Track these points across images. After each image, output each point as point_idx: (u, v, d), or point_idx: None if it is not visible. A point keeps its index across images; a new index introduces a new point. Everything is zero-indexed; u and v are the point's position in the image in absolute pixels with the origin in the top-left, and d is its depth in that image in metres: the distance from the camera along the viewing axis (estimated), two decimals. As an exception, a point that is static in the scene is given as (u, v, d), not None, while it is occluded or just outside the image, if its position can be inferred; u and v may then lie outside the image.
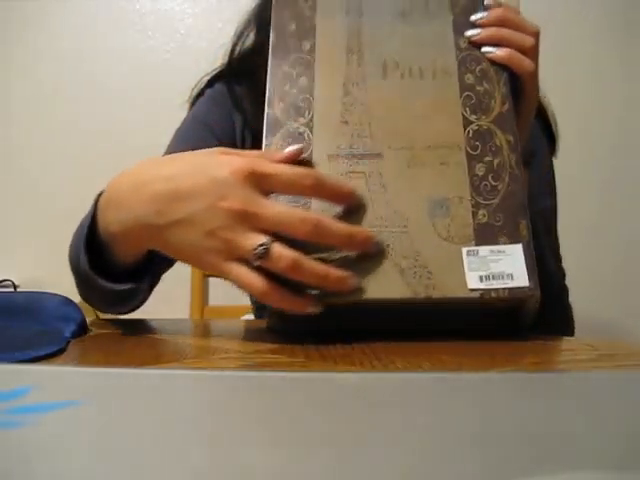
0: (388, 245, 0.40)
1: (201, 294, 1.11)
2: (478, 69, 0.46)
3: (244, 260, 0.37)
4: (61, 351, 0.34)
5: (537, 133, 0.69)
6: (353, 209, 0.41)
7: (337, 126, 0.44)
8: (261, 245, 0.36)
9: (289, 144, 0.43)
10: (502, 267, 0.39)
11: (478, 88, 0.46)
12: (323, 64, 0.47)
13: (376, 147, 0.43)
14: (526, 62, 0.47)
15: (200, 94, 0.71)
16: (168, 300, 1.27)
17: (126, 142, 1.47)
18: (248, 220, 0.37)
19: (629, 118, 1.66)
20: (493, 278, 0.38)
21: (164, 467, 0.13)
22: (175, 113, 0.70)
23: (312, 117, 0.45)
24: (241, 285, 0.38)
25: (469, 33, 0.48)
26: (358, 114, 0.45)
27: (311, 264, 0.37)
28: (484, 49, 0.47)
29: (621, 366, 0.30)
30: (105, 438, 0.15)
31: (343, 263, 0.39)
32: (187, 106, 0.71)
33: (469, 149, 0.43)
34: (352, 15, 0.49)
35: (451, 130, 0.44)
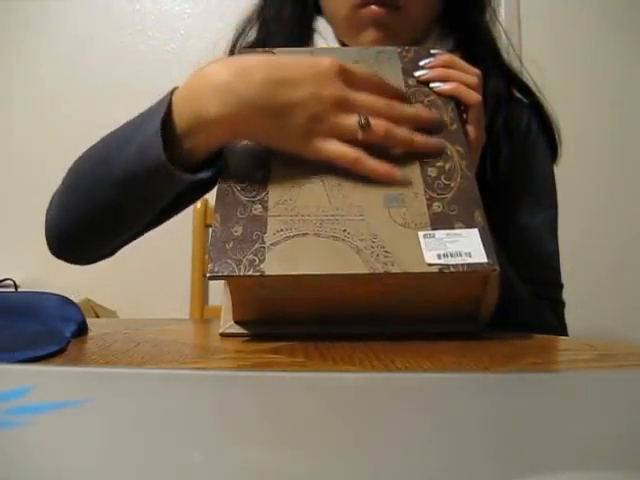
0: (344, 230, 0.40)
1: (201, 294, 1.11)
2: (427, 100, 0.51)
3: (339, 139, 0.44)
4: (61, 351, 0.34)
5: (539, 141, 0.69)
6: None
7: None
8: (362, 120, 0.44)
9: (249, 154, 0.46)
10: (459, 247, 0.39)
11: None
12: None
13: None
14: (472, 93, 0.51)
15: None
16: (168, 300, 1.28)
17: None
18: (345, 105, 0.44)
19: (629, 118, 1.66)
20: (451, 256, 0.39)
21: (164, 467, 0.13)
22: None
23: None
24: (338, 156, 0.44)
25: (418, 73, 0.53)
26: None
27: (401, 130, 0.46)
28: (433, 84, 0.52)
29: (621, 366, 0.30)
30: (105, 438, 0.15)
31: (299, 242, 0.39)
32: None
33: (421, 157, 0.46)
34: None
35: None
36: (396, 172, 0.44)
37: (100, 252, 0.60)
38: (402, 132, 0.45)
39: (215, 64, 0.46)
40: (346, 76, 0.45)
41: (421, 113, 0.48)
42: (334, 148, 0.44)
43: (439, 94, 0.51)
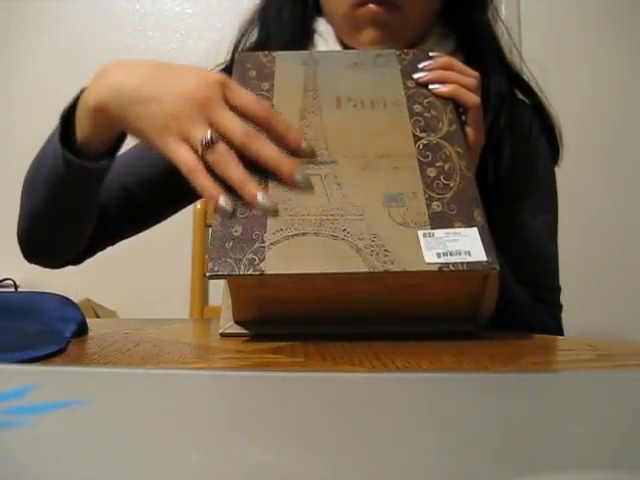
0: (344, 229, 0.40)
1: (201, 294, 1.11)
2: (425, 101, 0.51)
3: (191, 146, 0.44)
4: (61, 351, 0.34)
5: (541, 142, 0.68)
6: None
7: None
8: (208, 139, 0.43)
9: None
10: (459, 246, 0.39)
11: (426, 114, 0.49)
12: (281, 98, 0.51)
13: (331, 156, 0.46)
14: (470, 95, 0.51)
15: None
16: (168, 300, 1.27)
17: (126, 142, 1.47)
18: (206, 114, 0.44)
19: (629, 118, 1.66)
20: (451, 254, 0.39)
21: (164, 467, 0.13)
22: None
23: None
24: (177, 160, 0.44)
25: (417, 75, 0.53)
26: (314, 132, 0.48)
27: (240, 168, 0.43)
28: (431, 86, 0.52)
29: (621, 366, 0.30)
30: (105, 438, 0.15)
31: (299, 241, 0.40)
32: None
33: (420, 157, 0.46)
34: (308, 65, 0.55)
35: (402, 144, 0.47)
36: (221, 198, 0.42)
37: (62, 256, 0.64)
38: (236, 171, 0.43)
39: (111, 63, 0.50)
40: (229, 91, 0.45)
41: (282, 160, 0.44)
42: (180, 153, 0.44)
43: (438, 96, 0.51)
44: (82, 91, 0.52)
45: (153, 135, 0.46)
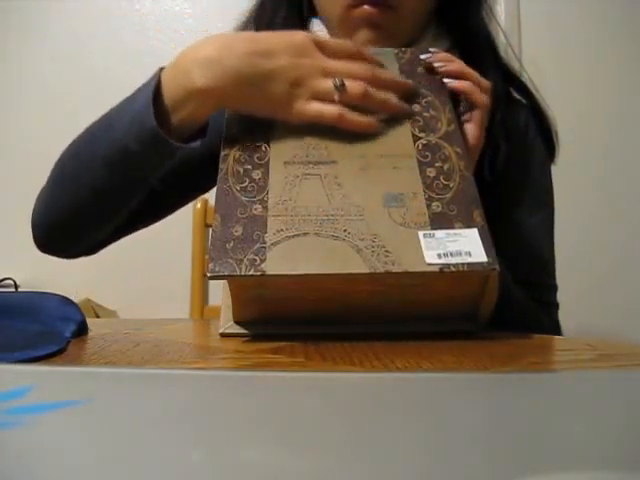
0: (345, 230, 0.40)
1: (201, 294, 1.11)
2: (424, 101, 0.51)
3: (322, 101, 0.47)
4: (61, 351, 0.34)
5: (537, 142, 0.68)
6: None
7: (294, 141, 0.47)
8: (339, 82, 0.47)
9: (248, 155, 0.46)
10: (459, 246, 0.39)
11: (425, 114, 0.50)
12: None
13: (331, 156, 0.46)
14: (482, 95, 0.53)
15: None
16: (168, 300, 1.27)
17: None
18: (324, 70, 0.48)
19: (628, 118, 1.66)
20: (451, 255, 0.39)
21: (164, 467, 0.13)
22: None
23: (268, 138, 0.48)
24: (321, 114, 0.47)
25: (437, 64, 0.53)
26: (313, 132, 0.48)
27: (377, 92, 0.48)
28: (446, 80, 0.53)
29: (621, 366, 0.30)
30: (105, 438, 0.15)
31: (300, 242, 0.40)
32: None
33: (420, 157, 0.46)
34: None
35: (402, 144, 0.47)
36: (376, 123, 0.47)
37: (84, 244, 0.62)
38: (377, 93, 0.48)
39: (200, 42, 0.49)
40: (320, 46, 0.49)
41: (396, 77, 0.51)
42: (316, 108, 0.47)
43: (437, 95, 0.51)
44: (160, 72, 0.50)
45: (280, 108, 0.47)
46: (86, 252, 0.64)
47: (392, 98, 0.49)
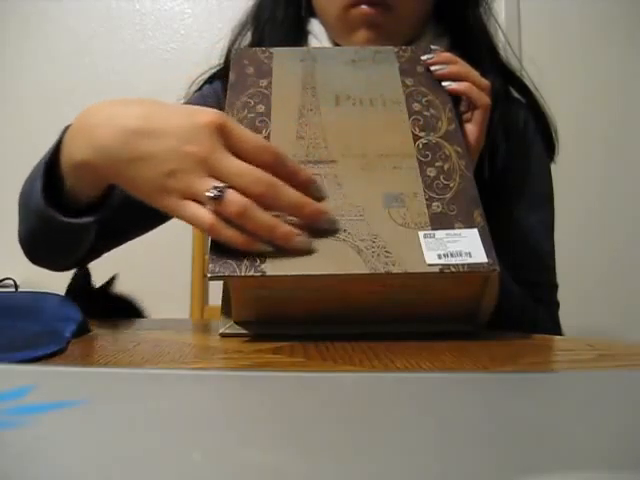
0: (345, 230, 0.40)
1: (201, 294, 1.11)
2: (424, 100, 0.51)
3: (199, 202, 0.39)
4: (61, 351, 0.34)
5: (536, 141, 0.68)
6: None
7: (293, 141, 0.47)
8: (216, 188, 0.38)
9: None
10: (459, 247, 0.39)
11: (425, 113, 0.49)
12: (279, 96, 0.51)
13: (331, 156, 0.46)
14: (482, 95, 0.52)
15: (199, 90, 0.72)
16: (168, 300, 1.27)
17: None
18: (208, 167, 0.39)
19: (628, 118, 1.66)
20: (451, 255, 0.39)
21: (164, 467, 0.13)
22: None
23: (269, 134, 0.47)
24: (191, 220, 0.40)
25: (434, 68, 0.53)
26: (313, 131, 0.48)
27: (262, 214, 0.38)
28: (445, 83, 0.52)
29: (621, 366, 0.30)
30: (105, 438, 0.15)
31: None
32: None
33: (420, 157, 0.46)
34: (306, 61, 0.55)
35: (402, 143, 0.47)
36: (256, 244, 0.39)
37: (61, 263, 0.61)
38: (262, 216, 0.38)
39: (98, 104, 0.44)
40: (227, 135, 0.40)
41: (304, 203, 0.40)
42: (189, 211, 0.39)
43: (437, 95, 0.51)
44: (66, 129, 0.47)
45: (152, 197, 0.41)
46: (69, 268, 0.63)
47: (280, 227, 0.38)
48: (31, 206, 0.50)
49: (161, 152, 0.40)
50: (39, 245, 0.56)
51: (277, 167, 0.40)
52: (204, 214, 0.39)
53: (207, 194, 0.38)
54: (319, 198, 0.41)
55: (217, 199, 0.38)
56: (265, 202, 0.39)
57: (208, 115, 0.40)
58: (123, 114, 0.42)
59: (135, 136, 0.40)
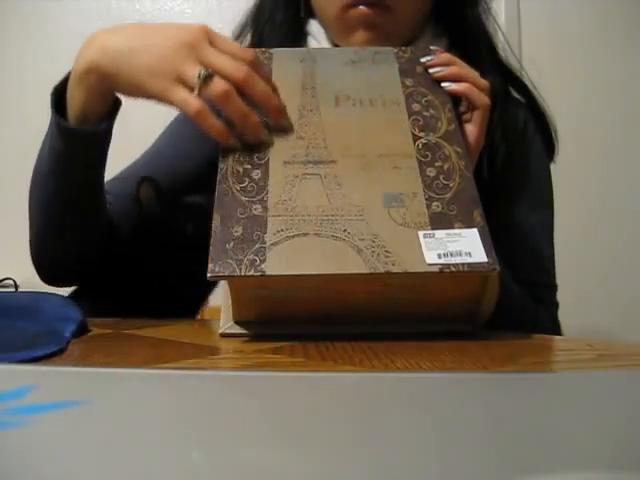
0: (345, 230, 0.40)
1: (201, 294, 1.11)
2: (424, 100, 0.51)
3: (188, 88, 0.45)
4: (61, 351, 0.34)
5: (536, 141, 0.68)
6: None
7: (293, 140, 0.47)
8: (205, 72, 0.44)
9: (247, 154, 0.46)
10: (459, 247, 0.39)
11: (425, 113, 0.49)
12: (279, 95, 0.50)
13: (331, 156, 0.46)
14: (482, 96, 0.52)
15: None
16: (168, 300, 1.27)
17: (126, 142, 1.47)
18: (197, 54, 0.45)
19: (628, 118, 1.66)
20: (451, 255, 0.39)
21: (164, 467, 0.13)
22: (175, 113, 0.70)
23: (269, 135, 0.47)
24: (180, 104, 0.45)
25: (432, 70, 0.53)
26: (313, 131, 0.48)
27: (240, 101, 0.45)
28: (444, 83, 0.52)
29: (621, 366, 0.30)
30: (105, 438, 0.15)
31: (300, 242, 0.40)
32: None
33: (420, 157, 0.46)
34: (306, 62, 0.55)
35: (402, 143, 0.47)
36: (231, 138, 0.45)
37: (75, 265, 0.61)
38: (240, 103, 0.45)
39: (95, 32, 0.50)
40: (213, 38, 0.47)
41: (273, 96, 0.47)
42: (180, 94, 0.45)
43: (437, 95, 0.51)
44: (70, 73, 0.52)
45: (149, 83, 0.46)
46: (87, 274, 0.63)
47: (253, 117, 0.45)
48: (43, 161, 0.54)
49: (157, 44, 0.46)
50: (55, 226, 0.56)
51: (254, 66, 0.47)
52: (193, 100, 0.44)
53: (197, 76, 0.44)
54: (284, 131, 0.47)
55: (205, 81, 0.44)
56: (243, 89, 0.45)
57: (198, 24, 0.47)
58: (124, 25, 0.49)
59: (136, 36, 0.47)
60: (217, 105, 0.45)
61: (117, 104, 0.53)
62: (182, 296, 0.62)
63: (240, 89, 0.45)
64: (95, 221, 0.58)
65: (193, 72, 0.44)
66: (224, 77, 0.44)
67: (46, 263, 0.61)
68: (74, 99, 0.51)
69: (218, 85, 0.44)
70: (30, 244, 0.60)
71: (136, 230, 0.61)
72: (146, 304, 0.55)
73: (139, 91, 0.47)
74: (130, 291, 0.59)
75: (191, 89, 0.44)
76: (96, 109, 0.51)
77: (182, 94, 0.45)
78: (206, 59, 0.45)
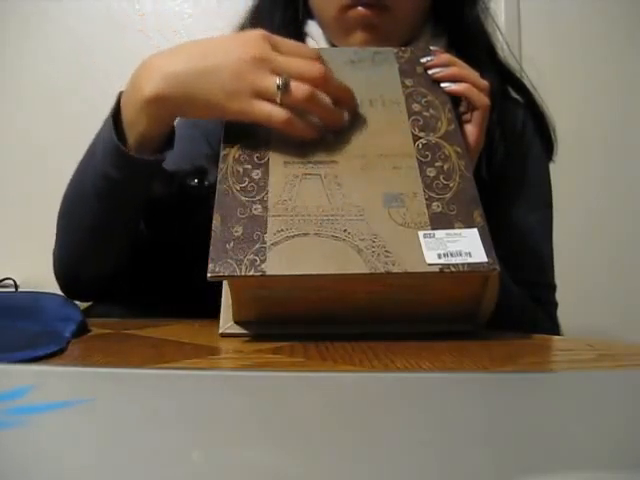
0: (345, 230, 0.40)
1: (201, 294, 1.11)
2: (424, 100, 0.51)
3: (266, 99, 0.44)
4: (61, 351, 0.34)
5: (535, 141, 0.68)
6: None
7: (293, 141, 0.46)
8: (283, 81, 0.43)
9: (247, 154, 0.46)
10: (459, 247, 0.39)
11: (425, 114, 0.50)
12: None
13: (331, 156, 0.46)
14: (482, 96, 0.52)
15: None
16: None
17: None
18: (268, 65, 0.44)
19: (628, 118, 1.66)
20: (451, 255, 0.39)
21: (164, 467, 0.13)
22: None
23: (269, 135, 0.47)
24: (265, 117, 0.44)
25: (432, 72, 0.53)
26: None
27: (325, 97, 0.45)
28: (444, 84, 0.52)
29: (621, 366, 0.30)
30: (105, 438, 0.15)
31: (300, 242, 0.40)
32: None
33: (420, 157, 0.46)
34: None
35: (402, 144, 0.47)
36: (320, 133, 0.45)
37: (105, 279, 0.60)
38: (325, 100, 0.45)
39: (148, 57, 0.48)
40: (273, 42, 0.46)
41: (346, 86, 0.48)
42: (263, 109, 0.44)
43: (437, 95, 0.51)
44: (120, 95, 0.50)
45: (228, 105, 0.45)
46: (103, 291, 0.61)
47: (336, 109, 0.46)
48: (90, 180, 0.52)
49: (224, 61, 0.45)
50: (94, 241, 0.55)
51: (322, 61, 0.47)
52: (278, 111, 0.44)
53: (275, 86, 0.43)
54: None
55: (284, 89, 0.43)
56: (322, 87, 0.45)
57: (253, 31, 0.47)
58: (180, 47, 0.48)
59: (198, 56, 0.46)
60: (304, 109, 0.45)
61: (173, 129, 0.52)
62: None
63: (319, 87, 0.45)
64: (134, 238, 0.58)
65: (270, 83, 0.44)
66: (301, 80, 0.44)
67: (79, 280, 0.59)
68: (135, 126, 0.49)
69: (300, 90, 0.44)
70: (58, 260, 0.58)
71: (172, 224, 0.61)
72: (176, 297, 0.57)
73: (216, 114, 0.47)
74: (160, 288, 0.61)
75: (272, 100, 0.44)
76: (157, 136, 0.50)
77: (265, 108, 0.44)
78: (279, 68, 0.44)
